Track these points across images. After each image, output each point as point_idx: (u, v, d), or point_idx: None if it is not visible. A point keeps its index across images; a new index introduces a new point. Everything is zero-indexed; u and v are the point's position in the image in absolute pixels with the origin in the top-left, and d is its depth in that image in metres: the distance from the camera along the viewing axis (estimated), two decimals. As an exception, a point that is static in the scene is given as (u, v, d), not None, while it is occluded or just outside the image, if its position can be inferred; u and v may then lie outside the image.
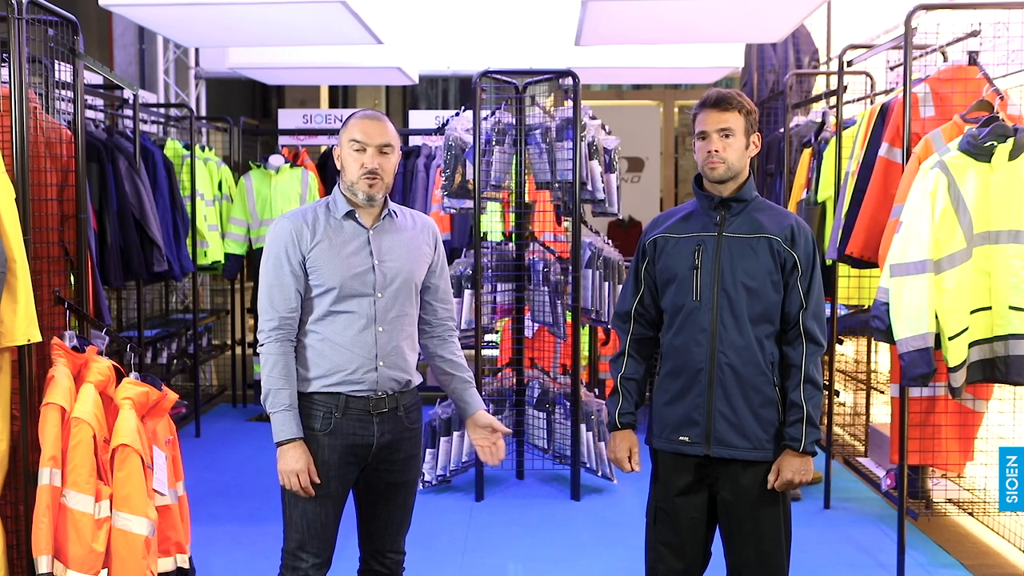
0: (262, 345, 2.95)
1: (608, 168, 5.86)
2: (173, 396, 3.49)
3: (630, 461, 3.11)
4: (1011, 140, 3.80)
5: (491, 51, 8.31)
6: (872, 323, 4.02)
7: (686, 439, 2.99)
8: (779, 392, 2.97)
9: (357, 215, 2.99)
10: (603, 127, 6.00)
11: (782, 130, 6.54)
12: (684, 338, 2.98)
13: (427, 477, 5.66)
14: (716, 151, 2.92)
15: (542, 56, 8.12)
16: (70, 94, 3.82)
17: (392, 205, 3.06)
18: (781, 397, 2.97)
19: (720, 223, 2.97)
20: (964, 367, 3.88)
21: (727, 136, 2.92)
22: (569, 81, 5.61)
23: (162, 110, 8.11)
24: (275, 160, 7.67)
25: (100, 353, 3.44)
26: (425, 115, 9.35)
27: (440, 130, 6.88)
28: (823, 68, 7.64)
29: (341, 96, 15.61)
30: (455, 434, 5.69)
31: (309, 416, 2.94)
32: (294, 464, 2.87)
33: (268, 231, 3.02)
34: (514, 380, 5.99)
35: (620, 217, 8.16)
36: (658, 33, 6.73)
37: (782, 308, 2.96)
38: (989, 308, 3.89)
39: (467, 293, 5.59)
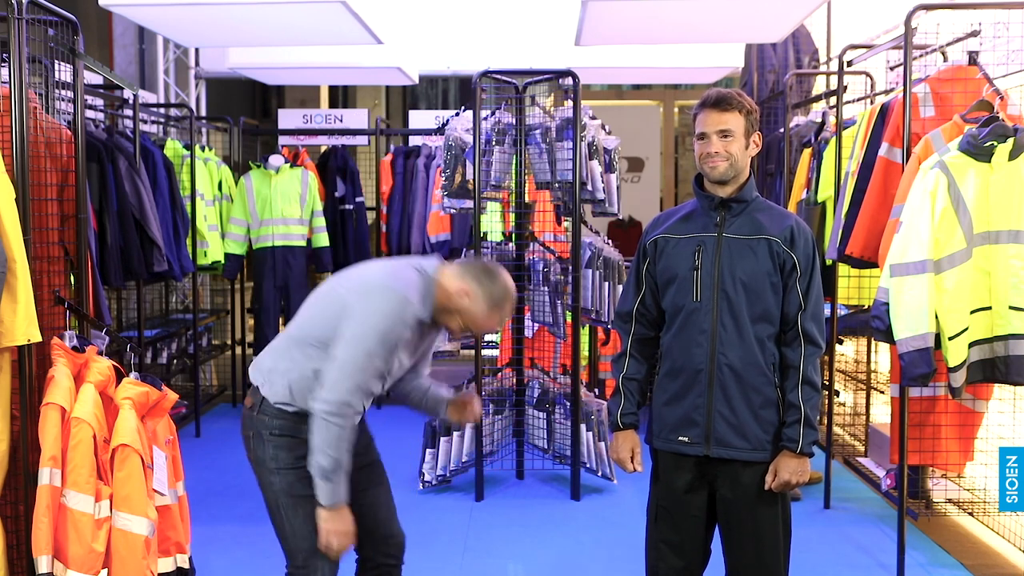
0: (335, 415, 2.80)
1: (608, 168, 5.86)
2: (173, 396, 3.49)
3: (632, 461, 3.11)
4: (1011, 140, 3.80)
5: (491, 51, 8.31)
6: (872, 323, 4.02)
7: (686, 439, 2.98)
8: (780, 392, 2.96)
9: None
10: (603, 127, 6.00)
11: (782, 130, 6.54)
12: (684, 339, 2.98)
13: (427, 477, 5.65)
14: (716, 152, 2.92)
15: (542, 56, 8.12)
16: (70, 94, 3.82)
17: None
18: (782, 397, 2.96)
19: (720, 224, 2.97)
20: (964, 367, 3.88)
21: (726, 136, 2.92)
22: (569, 81, 5.60)
23: (162, 110, 8.11)
24: (275, 160, 7.67)
25: (100, 353, 3.44)
26: (425, 115, 9.34)
27: (440, 130, 6.89)
28: (823, 68, 7.64)
29: (341, 96, 15.61)
30: (455, 434, 5.69)
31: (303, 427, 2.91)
32: (349, 526, 2.87)
33: (393, 304, 2.83)
34: (514, 380, 5.99)
35: (620, 217, 8.17)
36: (658, 33, 6.73)
37: (781, 309, 2.95)
38: (989, 308, 3.89)
39: (467, 293, 5.58)
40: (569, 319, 5.78)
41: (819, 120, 6.15)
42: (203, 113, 9.62)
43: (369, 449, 3.15)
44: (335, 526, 2.85)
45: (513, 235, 5.95)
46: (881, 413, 6.25)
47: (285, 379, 2.92)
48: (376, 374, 2.83)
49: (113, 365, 3.42)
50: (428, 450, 5.67)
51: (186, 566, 3.51)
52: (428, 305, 2.92)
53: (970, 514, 4.72)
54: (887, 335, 3.95)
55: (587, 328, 6.78)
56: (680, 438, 2.99)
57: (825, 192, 5.50)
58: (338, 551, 2.88)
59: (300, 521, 2.92)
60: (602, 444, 5.69)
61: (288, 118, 8.74)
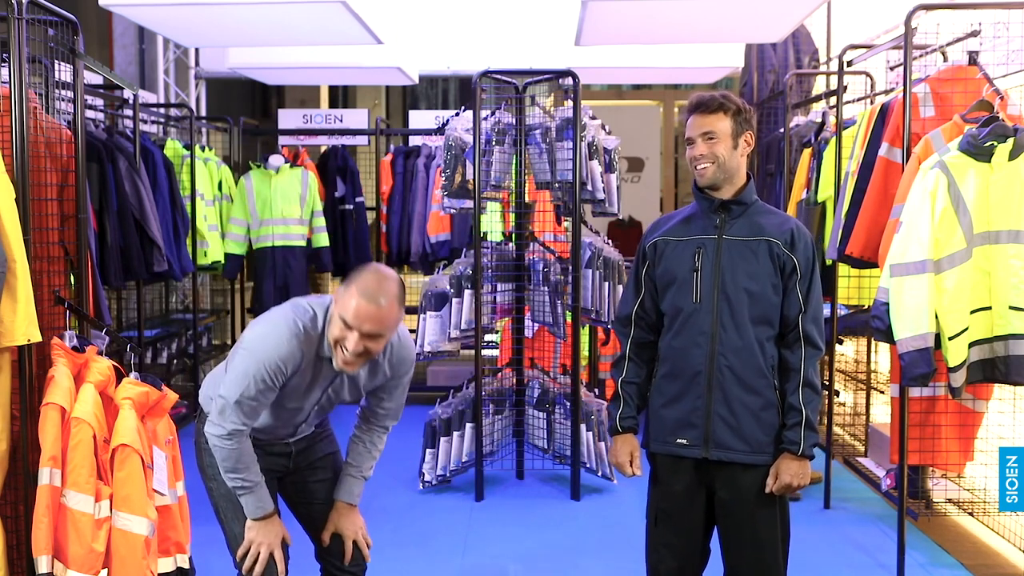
0: (218, 437, 2.89)
1: (608, 168, 5.86)
2: (173, 396, 3.48)
3: (631, 465, 3.11)
4: (1011, 140, 3.80)
5: (491, 51, 8.32)
6: (872, 323, 4.02)
7: (684, 441, 2.98)
8: (779, 395, 2.96)
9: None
10: (603, 127, 6.00)
11: (782, 130, 6.54)
12: (683, 340, 2.97)
13: (427, 477, 5.65)
14: (702, 155, 2.92)
15: (542, 56, 8.12)
16: (70, 94, 3.82)
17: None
18: (782, 400, 2.96)
19: (720, 226, 2.96)
20: (964, 367, 3.88)
21: (711, 139, 2.91)
22: (569, 81, 5.60)
23: (162, 110, 8.11)
24: (275, 160, 7.67)
25: (100, 353, 3.44)
26: (425, 115, 9.35)
27: (440, 130, 6.89)
28: (823, 68, 7.64)
29: (341, 96, 15.61)
30: (455, 434, 5.69)
31: None
32: (273, 537, 2.97)
33: (272, 342, 2.82)
34: (514, 380, 5.99)
35: (620, 217, 8.17)
36: (658, 33, 6.73)
37: (781, 311, 2.95)
38: (989, 308, 3.89)
39: (467, 293, 5.59)
40: (569, 319, 5.78)
41: (819, 120, 6.15)
42: (203, 113, 9.62)
43: (332, 462, 3.22)
44: (261, 536, 2.96)
45: (513, 235, 5.95)
46: (881, 413, 6.25)
47: None
48: (255, 408, 2.87)
49: (113, 365, 3.42)
50: (428, 450, 5.66)
51: (186, 566, 3.50)
52: (319, 333, 2.86)
53: (970, 514, 4.72)
54: (887, 335, 3.95)
55: (587, 328, 6.78)
56: (679, 440, 2.99)
57: (825, 192, 5.50)
58: (261, 559, 2.95)
59: (241, 530, 3.02)
60: (602, 444, 5.69)
61: (288, 118, 8.74)
